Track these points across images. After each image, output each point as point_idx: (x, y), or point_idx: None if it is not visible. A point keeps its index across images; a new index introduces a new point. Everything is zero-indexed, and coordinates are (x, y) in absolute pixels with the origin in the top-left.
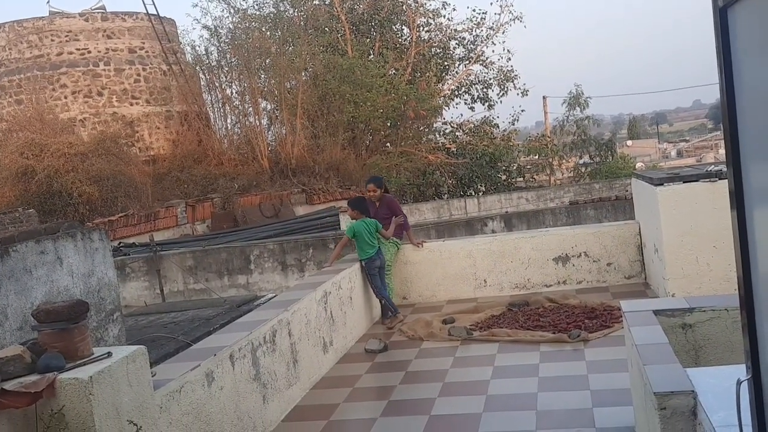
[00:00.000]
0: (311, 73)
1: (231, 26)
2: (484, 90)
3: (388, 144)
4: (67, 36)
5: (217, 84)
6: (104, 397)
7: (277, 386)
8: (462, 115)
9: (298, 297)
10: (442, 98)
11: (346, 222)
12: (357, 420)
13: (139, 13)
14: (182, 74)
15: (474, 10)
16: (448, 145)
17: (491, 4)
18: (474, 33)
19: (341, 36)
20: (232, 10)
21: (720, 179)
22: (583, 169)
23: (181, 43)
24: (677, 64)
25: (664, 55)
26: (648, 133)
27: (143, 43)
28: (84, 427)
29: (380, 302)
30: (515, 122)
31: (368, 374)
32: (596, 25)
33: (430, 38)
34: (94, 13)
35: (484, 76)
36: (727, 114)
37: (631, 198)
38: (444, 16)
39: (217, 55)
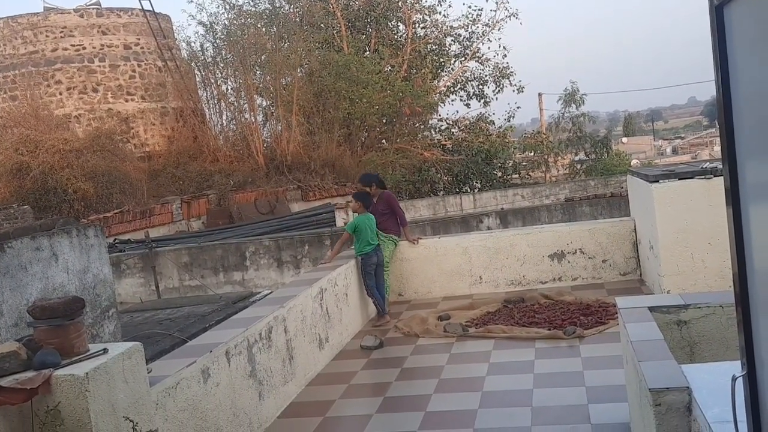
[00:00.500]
0: (307, 69)
1: (226, 22)
2: (480, 87)
3: (384, 141)
4: (61, 32)
5: (212, 80)
6: (100, 394)
7: (273, 383)
8: (458, 111)
9: (293, 293)
10: (437, 95)
11: (342, 218)
12: (353, 416)
13: (134, 9)
14: (177, 70)
15: (470, 7)
16: (443, 142)
17: (487, 0)
18: (470, 30)
19: (337, 32)
20: (227, 6)
21: (715, 176)
22: (578, 166)
23: (176, 39)
24: (673, 61)
25: (660, 52)
26: (643, 130)
27: (138, 39)
28: (80, 424)
29: (372, 301)
30: (511, 119)
31: (364, 371)
32: (592, 22)
33: (426, 35)
34: (89, 8)
35: (480, 73)
36: (723, 111)
37: (627, 195)
38: (440, 13)
39: (212, 52)
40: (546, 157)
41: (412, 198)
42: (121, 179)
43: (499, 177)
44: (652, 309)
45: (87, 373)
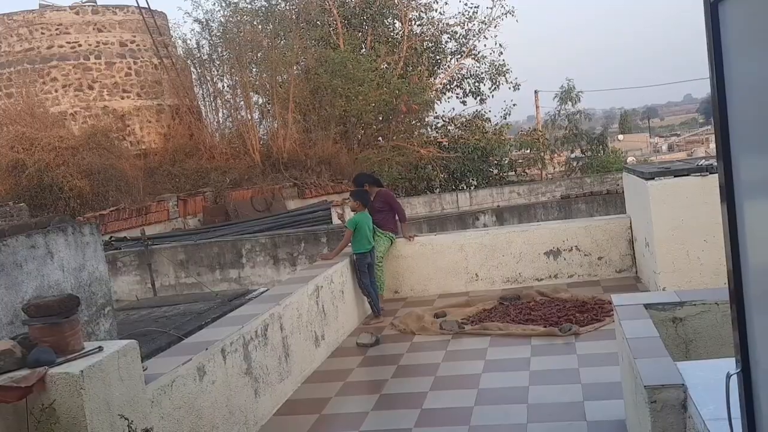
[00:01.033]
0: (303, 66)
1: (222, 20)
2: (476, 84)
3: (380, 138)
4: (57, 29)
5: (208, 78)
6: (95, 392)
7: (269, 380)
8: (454, 109)
9: (289, 291)
10: (434, 92)
11: (337, 215)
12: (349, 414)
13: (130, 6)
14: (173, 68)
15: (466, 5)
16: (440, 139)
17: None
18: (466, 27)
19: (333, 30)
20: (223, 4)
21: (710, 173)
22: (574, 164)
23: (172, 36)
24: (669, 58)
25: (656, 49)
26: (639, 127)
27: (134, 36)
28: (75, 422)
29: (367, 300)
30: (507, 116)
31: (360, 368)
32: (588, 20)
33: (422, 32)
34: (84, 6)
35: (476, 70)
36: (718, 108)
37: (623, 192)
38: (436, 10)
39: (208, 49)
40: (542, 154)
41: (408, 195)
42: (117, 177)
43: (496, 174)
44: (647, 306)
45: (82, 371)
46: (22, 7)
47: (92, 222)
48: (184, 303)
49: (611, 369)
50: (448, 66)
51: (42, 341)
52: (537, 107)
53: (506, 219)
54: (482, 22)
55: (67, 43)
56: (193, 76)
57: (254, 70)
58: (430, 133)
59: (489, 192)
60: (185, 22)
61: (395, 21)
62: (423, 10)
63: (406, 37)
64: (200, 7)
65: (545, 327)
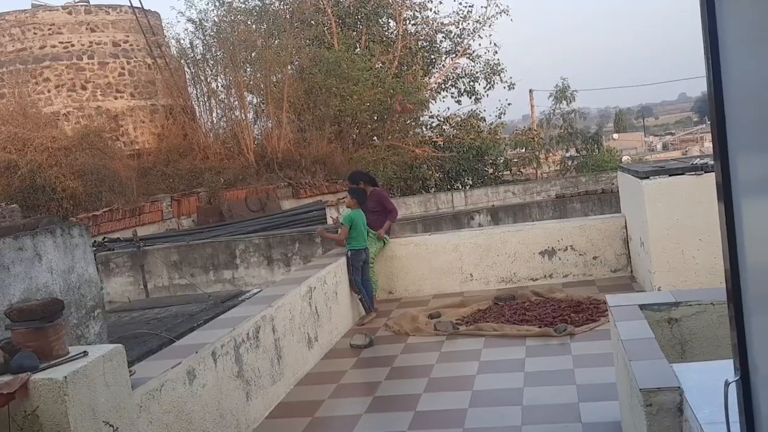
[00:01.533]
0: (297, 66)
1: (216, 19)
2: (471, 83)
3: (375, 138)
4: (50, 29)
5: (202, 77)
6: (79, 398)
7: (261, 383)
8: (449, 108)
9: (282, 293)
10: (428, 92)
11: (332, 219)
12: (342, 416)
13: (123, 6)
14: (167, 68)
15: (461, 4)
16: (435, 139)
17: None
18: (460, 26)
19: (327, 29)
20: (217, 3)
21: (706, 172)
22: (569, 163)
23: (165, 36)
24: (668, 58)
25: (654, 49)
26: (634, 126)
27: (127, 36)
28: (58, 429)
29: (358, 297)
30: (502, 116)
31: (353, 370)
32: (582, 20)
33: (417, 31)
34: (77, 5)
35: (471, 70)
36: (715, 106)
37: (618, 191)
38: (430, 10)
39: (202, 49)
40: (537, 153)
41: (403, 195)
42: (110, 177)
43: (491, 174)
44: (642, 307)
45: (66, 377)
46: (14, 7)
47: (81, 223)
48: (177, 304)
49: (606, 370)
50: (443, 65)
51: (25, 346)
52: (532, 106)
53: (501, 218)
54: (477, 22)
55: (60, 43)
56: (187, 76)
57: (248, 69)
58: (425, 132)
59: (484, 191)
60: (179, 21)
61: (390, 20)
62: (417, 10)
63: (400, 37)
64: (194, 7)
65: (540, 327)
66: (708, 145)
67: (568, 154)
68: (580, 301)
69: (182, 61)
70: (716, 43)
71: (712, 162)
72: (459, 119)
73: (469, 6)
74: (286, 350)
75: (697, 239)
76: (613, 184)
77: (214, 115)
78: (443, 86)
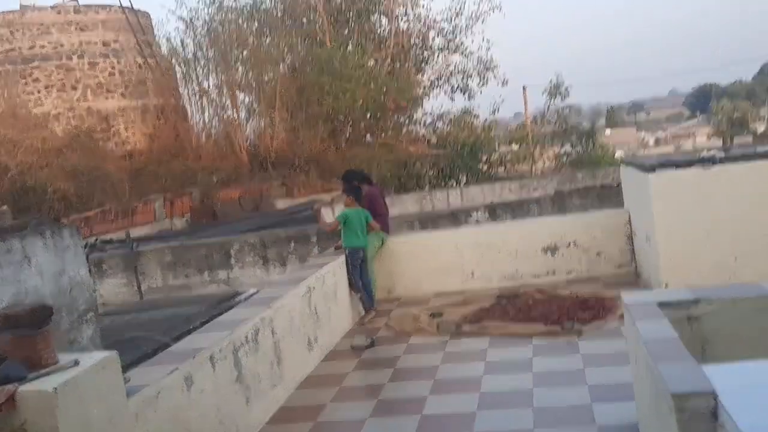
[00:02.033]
0: (289, 64)
1: (207, 18)
2: (464, 80)
3: (369, 136)
4: (39, 29)
5: (193, 77)
6: (71, 410)
7: (261, 387)
8: (442, 105)
9: (280, 293)
10: (422, 89)
11: (326, 216)
12: (346, 421)
13: (113, 6)
14: (158, 67)
15: (452, 0)
16: (428, 136)
17: None
18: (453, 23)
19: (319, 27)
20: (208, 1)
21: (714, 164)
22: (564, 159)
23: (156, 35)
24: (653, 55)
25: (643, 47)
26: (625, 122)
27: (117, 36)
28: None
29: (357, 296)
30: (496, 112)
31: (355, 372)
32: (580, 20)
33: (409, 28)
34: (66, 5)
35: (464, 66)
36: None
37: (617, 186)
38: (422, 6)
39: (193, 48)
40: (532, 149)
41: (398, 193)
42: (102, 178)
43: (485, 171)
44: (661, 305)
45: (56, 388)
46: (2, 7)
47: (72, 225)
48: (172, 307)
49: (618, 369)
50: (436, 62)
51: (12, 355)
52: (525, 102)
53: (499, 216)
54: (469, 18)
55: (49, 43)
56: (178, 76)
57: (240, 68)
58: (418, 130)
59: (480, 188)
60: (169, 20)
61: (382, 17)
62: (409, 6)
63: (392, 34)
64: (184, 6)
65: (546, 326)
66: (700, 140)
67: (563, 150)
68: (586, 298)
69: (173, 61)
70: None
71: (720, 155)
72: (453, 116)
73: (462, 2)
74: (286, 353)
75: (704, 234)
76: (612, 179)
77: (206, 114)
78: (436, 83)
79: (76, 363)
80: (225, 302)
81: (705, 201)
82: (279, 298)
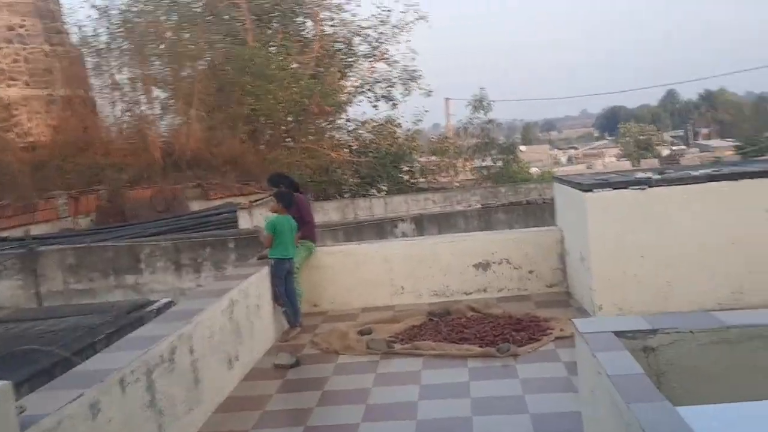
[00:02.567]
0: (209, 62)
1: (122, 7)
2: (388, 89)
3: (290, 139)
4: None
5: (105, 68)
6: None
7: (176, 412)
8: (365, 113)
9: (200, 307)
10: (345, 94)
11: (242, 218)
12: None
13: None
14: (67, 56)
15: (379, 7)
16: (351, 143)
17: (396, 1)
18: (378, 30)
19: (241, 25)
20: None
21: (650, 186)
22: (485, 172)
23: (66, 22)
24: (566, 75)
25: (555, 66)
26: (539, 139)
27: (24, 20)
28: None
29: (282, 310)
30: (419, 122)
31: (280, 394)
32: (493, 36)
33: (335, 33)
34: None
35: (388, 75)
36: None
37: (542, 203)
38: (348, 11)
39: (106, 38)
40: (454, 162)
41: (318, 200)
42: (0, 171)
43: (407, 180)
44: (617, 334)
45: None
46: None
47: None
48: (75, 315)
49: (559, 396)
50: (360, 69)
51: None
52: (448, 114)
53: (426, 228)
54: (395, 27)
55: None
56: (89, 66)
57: (156, 62)
58: (341, 136)
59: (404, 198)
60: (81, 7)
61: (307, 20)
62: (335, 11)
63: (318, 37)
64: None
65: (481, 347)
66: (609, 160)
67: (483, 164)
68: (519, 318)
69: (84, 50)
70: None
71: (656, 177)
72: (375, 124)
73: (388, 10)
74: (205, 372)
75: (639, 256)
76: (540, 195)
77: (118, 108)
78: (360, 89)
79: None
80: (134, 312)
81: (640, 223)
82: (199, 312)
